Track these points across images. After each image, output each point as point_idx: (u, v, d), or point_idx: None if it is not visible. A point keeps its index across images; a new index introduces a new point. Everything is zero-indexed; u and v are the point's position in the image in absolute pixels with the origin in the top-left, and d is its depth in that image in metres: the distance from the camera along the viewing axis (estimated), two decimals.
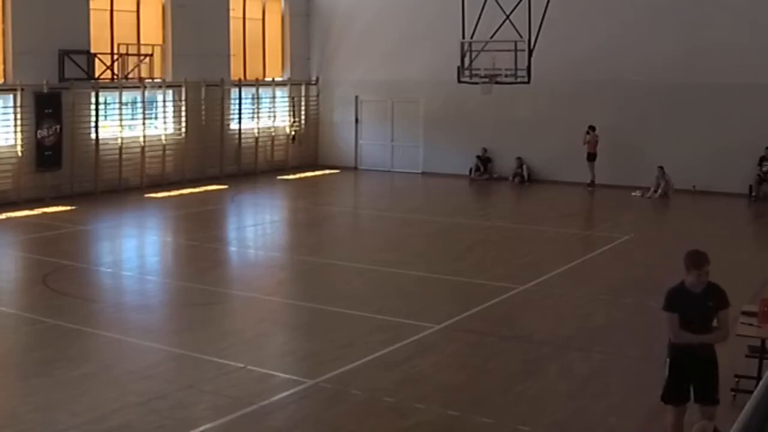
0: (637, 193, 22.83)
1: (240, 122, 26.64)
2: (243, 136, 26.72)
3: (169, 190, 23.22)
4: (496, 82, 20.99)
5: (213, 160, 25.74)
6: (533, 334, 11.23)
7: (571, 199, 22.99)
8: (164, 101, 24.56)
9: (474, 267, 15.08)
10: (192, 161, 24.97)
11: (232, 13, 26.31)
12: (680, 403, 7.34)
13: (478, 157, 26.23)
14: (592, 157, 23.84)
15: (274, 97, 27.97)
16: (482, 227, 19.38)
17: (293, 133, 28.59)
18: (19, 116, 20.88)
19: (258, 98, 27.24)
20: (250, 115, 27.19)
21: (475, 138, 26.06)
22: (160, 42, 24.29)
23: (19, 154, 21.00)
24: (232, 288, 13.84)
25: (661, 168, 22.50)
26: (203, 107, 25.27)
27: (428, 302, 12.73)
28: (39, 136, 21.22)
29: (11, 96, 20.88)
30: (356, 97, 28.32)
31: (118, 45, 23.00)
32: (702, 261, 7.08)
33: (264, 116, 27.62)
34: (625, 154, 23.94)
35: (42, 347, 10.50)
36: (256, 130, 27.22)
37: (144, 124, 23.96)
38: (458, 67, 21.16)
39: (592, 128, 23.67)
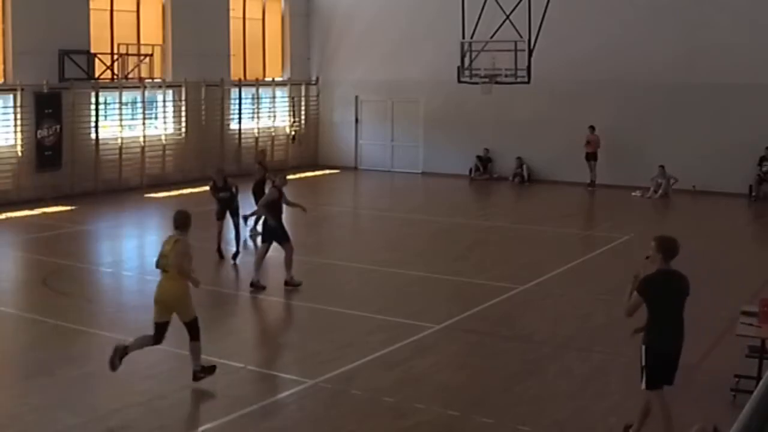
0: (637, 193, 22.83)
1: (240, 122, 26.65)
2: (243, 136, 26.72)
3: (169, 190, 23.20)
4: (496, 82, 20.99)
5: (213, 160, 25.68)
6: (533, 334, 11.23)
7: (571, 199, 22.99)
8: (164, 101, 24.56)
9: (474, 267, 15.08)
10: (192, 161, 24.96)
11: (232, 13, 26.32)
12: None
13: (478, 157, 26.23)
14: (592, 156, 23.85)
15: (274, 97, 27.97)
16: (482, 227, 19.37)
17: (293, 133, 28.59)
18: (19, 116, 20.89)
19: (258, 98, 27.24)
20: (250, 115, 27.18)
21: (475, 138, 26.06)
22: (160, 42, 24.29)
23: (19, 154, 21.01)
24: (232, 288, 13.83)
25: (662, 167, 22.50)
26: (203, 107, 25.27)
27: (428, 302, 12.73)
28: (39, 136, 21.22)
29: (11, 96, 20.89)
30: (356, 97, 28.31)
31: (118, 45, 23.01)
32: None
33: (264, 116, 27.63)
34: (625, 154, 23.94)
35: (42, 347, 10.50)
36: (256, 130, 27.21)
37: (144, 124, 23.97)
38: (458, 67, 21.17)
39: (592, 128, 23.68)
